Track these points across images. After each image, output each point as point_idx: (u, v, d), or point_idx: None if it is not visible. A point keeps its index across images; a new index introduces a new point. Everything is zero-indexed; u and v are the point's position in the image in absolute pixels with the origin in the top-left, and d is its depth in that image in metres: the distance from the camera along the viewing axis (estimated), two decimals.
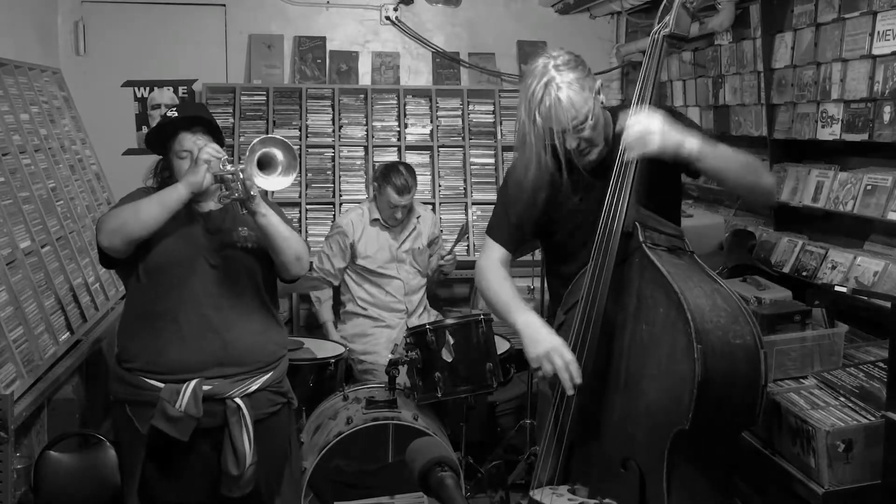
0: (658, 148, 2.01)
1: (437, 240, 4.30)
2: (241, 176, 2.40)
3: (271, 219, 2.51)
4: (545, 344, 2.15)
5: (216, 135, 2.62)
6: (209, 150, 2.45)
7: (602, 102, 2.20)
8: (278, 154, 2.43)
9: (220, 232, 2.59)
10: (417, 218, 4.15)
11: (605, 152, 2.22)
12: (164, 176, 2.63)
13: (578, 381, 2.08)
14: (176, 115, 2.56)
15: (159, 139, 2.60)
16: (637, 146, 2.02)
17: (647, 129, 2.00)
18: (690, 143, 2.03)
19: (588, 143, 2.18)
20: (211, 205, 2.53)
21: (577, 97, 2.09)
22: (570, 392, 2.09)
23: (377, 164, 5.00)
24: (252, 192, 2.42)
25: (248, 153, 2.41)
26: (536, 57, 2.17)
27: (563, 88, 2.08)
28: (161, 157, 2.66)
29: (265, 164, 2.43)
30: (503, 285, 2.36)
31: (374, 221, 4.05)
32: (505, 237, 2.43)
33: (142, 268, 2.53)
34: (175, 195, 2.43)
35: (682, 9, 2.13)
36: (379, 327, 4.02)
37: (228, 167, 2.44)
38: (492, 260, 2.42)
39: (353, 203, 4.94)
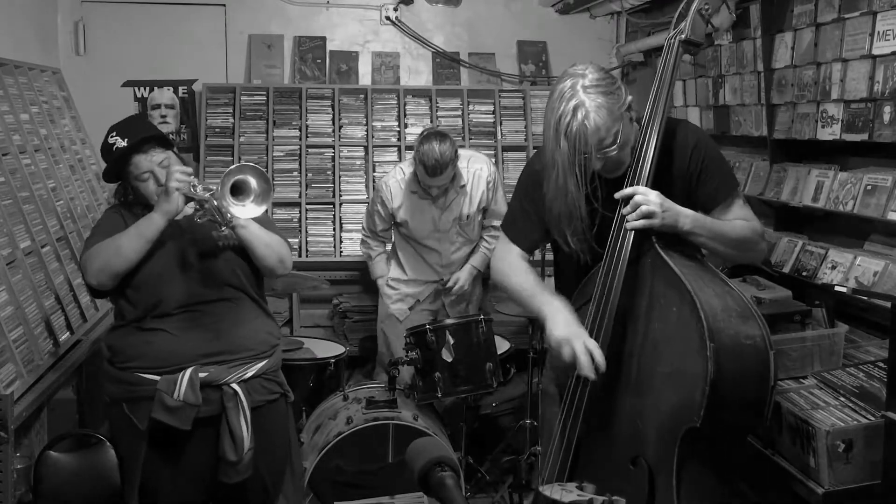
0: (658, 227, 2.05)
1: (491, 204, 3.95)
2: (216, 203, 2.41)
3: (251, 228, 2.54)
4: (565, 329, 2.12)
5: (164, 143, 2.61)
6: (178, 175, 2.45)
7: (631, 118, 2.17)
8: (252, 181, 2.40)
9: (199, 234, 2.60)
10: (462, 186, 3.87)
11: (630, 165, 2.19)
12: (129, 198, 2.65)
13: (603, 366, 2.05)
14: (123, 141, 2.53)
15: (115, 170, 2.60)
16: (639, 224, 2.05)
17: (649, 210, 2.04)
18: (683, 223, 2.08)
19: (615, 165, 2.17)
20: (187, 210, 2.53)
21: (605, 122, 2.05)
22: (591, 377, 2.05)
23: (377, 164, 5.02)
24: (227, 216, 2.43)
25: (221, 179, 2.38)
26: (564, 76, 2.12)
27: (591, 113, 2.04)
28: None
29: (238, 191, 2.41)
30: (522, 275, 2.36)
31: (413, 193, 3.86)
32: (521, 239, 2.42)
33: (129, 286, 2.55)
34: (153, 226, 2.46)
35: (698, 15, 2.16)
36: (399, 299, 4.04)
37: (199, 189, 2.44)
38: (512, 254, 2.42)
39: (353, 203, 4.96)
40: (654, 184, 2.11)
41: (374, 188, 4.10)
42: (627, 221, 2.07)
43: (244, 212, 2.42)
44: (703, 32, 2.20)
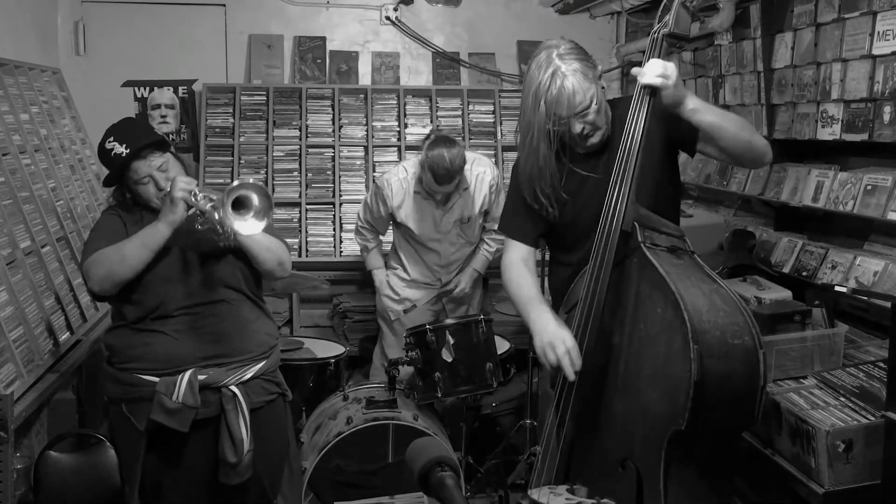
0: (671, 88, 2.07)
1: (493, 207, 3.93)
2: (217, 217, 2.40)
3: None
4: (548, 334, 2.21)
5: (163, 146, 2.61)
6: (182, 185, 2.45)
7: (602, 87, 2.26)
8: (254, 197, 2.40)
9: (199, 235, 2.60)
10: (465, 189, 3.87)
11: (606, 134, 2.29)
12: (128, 200, 2.64)
13: (578, 366, 2.12)
14: (122, 147, 2.53)
15: (115, 175, 2.60)
16: (655, 78, 2.07)
17: (666, 70, 2.07)
18: (690, 99, 2.13)
19: (592, 127, 2.24)
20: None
21: (581, 84, 2.17)
22: (570, 378, 2.12)
23: (377, 164, 5.02)
24: (227, 227, 2.42)
25: (225, 194, 2.37)
26: (539, 49, 2.23)
27: (569, 76, 2.16)
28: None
29: (240, 205, 2.40)
30: (521, 284, 2.44)
31: (416, 193, 3.84)
32: (520, 233, 2.49)
33: (131, 290, 2.55)
34: (158, 236, 2.47)
35: (682, 8, 2.14)
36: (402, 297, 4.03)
37: (201, 199, 2.44)
38: (513, 259, 2.50)
39: (353, 203, 4.96)
40: (643, 164, 2.13)
41: (374, 183, 4.03)
42: (642, 77, 2.09)
43: (245, 227, 2.40)
44: (689, 26, 2.19)
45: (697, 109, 2.13)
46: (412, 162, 3.90)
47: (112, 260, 2.47)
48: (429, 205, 3.86)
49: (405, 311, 4.01)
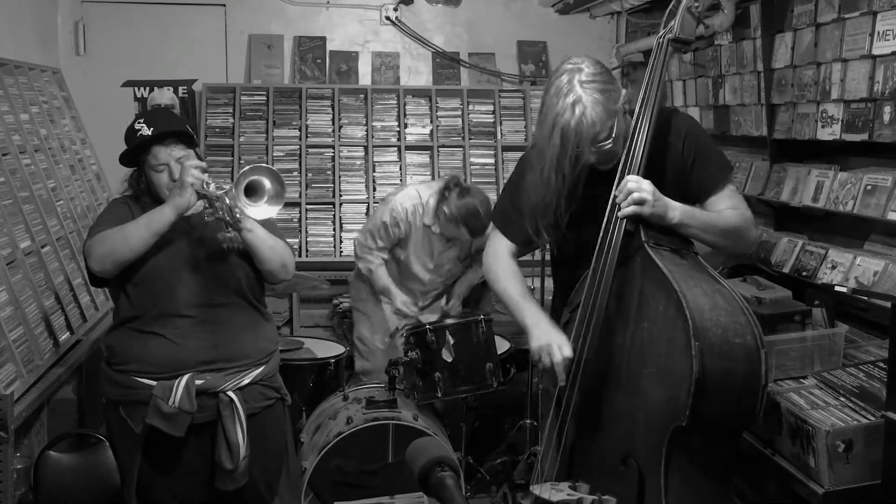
0: (647, 215, 2.06)
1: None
2: (228, 201, 2.39)
3: (257, 232, 2.53)
4: (544, 338, 2.20)
5: (188, 140, 2.61)
6: (193, 171, 2.44)
7: (624, 113, 2.19)
8: (266, 182, 2.39)
9: (204, 236, 2.59)
10: None
11: (621, 157, 2.20)
12: (140, 187, 2.63)
13: (562, 382, 2.13)
14: (148, 130, 2.53)
15: (133, 155, 2.59)
16: (630, 210, 2.06)
17: (641, 197, 2.04)
18: (672, 214, 2.09)
19: (607, 157, 2.18)
20: (197, 206, 2.52)
21: (600, 117, 2.08)
22: (560, 383, 2.14)
23: (377, 164, 5.02)
24: (237, 216, 2.42)
25: (236, 179, 2.37)
26: (561, 69, 2.15)
27: (589, 108, 2.07)
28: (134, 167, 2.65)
29: (252, 192, 2.40)
30: (512, 282, 2.40)
31: (426, 226, 3.76)
32: (512, 232, 2.44)
33: (130, 280, 2.54)
34: (163, 219, 2.44)
35: (687, 13, 2.15)
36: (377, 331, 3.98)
37: (212, 187, 2.43)
38: (500, 253, 2.46)
39: (353, 203, 4.96)
40: (646, 176, 2.12)
41: (387, 213, 3.79)
42: (619, 209, 2.08)
43: (257, 212, 2.40)
44: (694, 30, 2.19)
45: (678, 225, 2.12)
46: (428, 193, 3.77)
47: (114, 239, 2.45)
48: (435, 239, 3.80)
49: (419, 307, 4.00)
